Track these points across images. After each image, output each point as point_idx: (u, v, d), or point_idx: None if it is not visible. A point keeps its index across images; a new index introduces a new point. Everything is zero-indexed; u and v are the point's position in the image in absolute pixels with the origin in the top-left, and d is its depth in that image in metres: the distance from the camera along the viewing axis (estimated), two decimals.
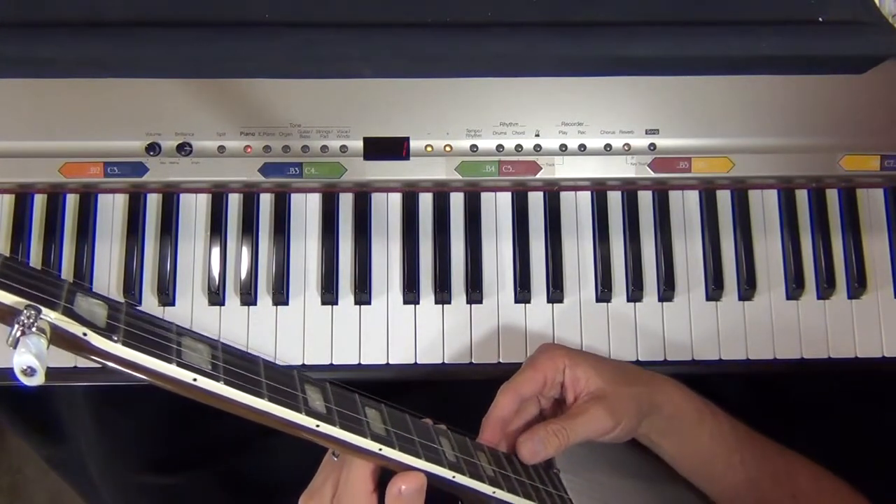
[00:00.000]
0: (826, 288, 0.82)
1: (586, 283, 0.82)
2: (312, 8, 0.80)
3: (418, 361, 0.81)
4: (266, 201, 0.83)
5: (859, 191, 0.84)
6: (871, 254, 0.83)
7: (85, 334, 0.45)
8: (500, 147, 0.81)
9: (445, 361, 0.80)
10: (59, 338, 0.45)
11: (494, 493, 0.60)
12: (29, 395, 0.92)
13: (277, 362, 0.56)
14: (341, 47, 0.79)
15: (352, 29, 0.79)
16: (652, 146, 0.81)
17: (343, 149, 0.80)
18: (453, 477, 0.58)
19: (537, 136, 0.81)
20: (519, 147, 0.81)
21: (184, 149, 0.80)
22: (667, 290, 0.81)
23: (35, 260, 0.81)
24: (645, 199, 0.83)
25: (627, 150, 0.81)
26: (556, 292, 0.81)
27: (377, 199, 0.83)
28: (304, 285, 0.81)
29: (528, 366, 0.69)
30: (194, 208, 0.82)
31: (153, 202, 0.82)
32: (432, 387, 0.82)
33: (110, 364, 0.47)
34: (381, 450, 0.55)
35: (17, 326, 0.43)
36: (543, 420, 0.69)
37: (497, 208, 0.83)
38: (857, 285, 0.82)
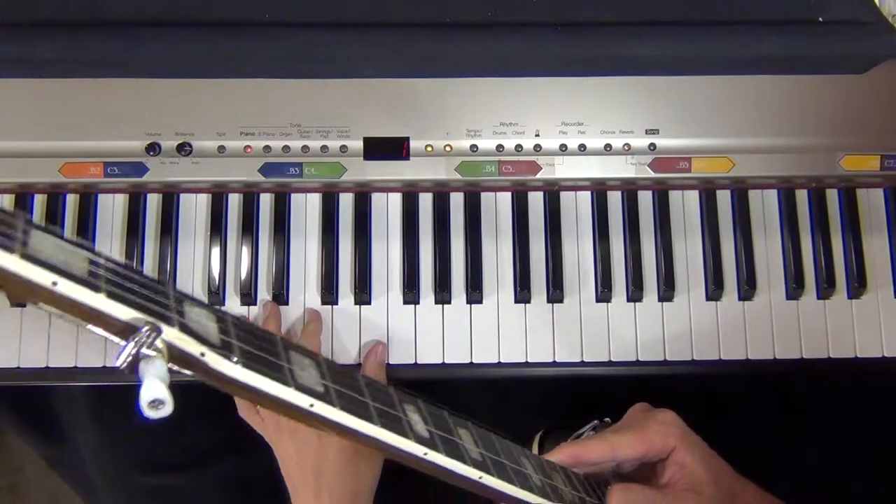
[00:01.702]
0: (826, 288, 0.82)
1: (586, 283, 0.82)
2: (313, 8, 0.80)
3: (418, 361, 0.81)
4: (266, 201, 0.83)
5: (859, 191, 0.84)
6: (871, 254, 0.83)
7: (203, 354, 0.39)
8: (500, 147, 0.81)
9: (446, 361, 0.80)
10: (173, 357, 0.39)
11: None
12: (29, 395, 0.92)
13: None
14: (341, 47, 0.79)
15: (352, 29, 0.79)
16: (652, 146, 0.81)
17: (343, 149, 0.80)
18: None
19: (537, 136, 0.81)
20: (519, 147, 0.81)
21: (184, 149, 0.80)
22: (667, 290, 0.81)
23: None
24: (645, 199, 0.83)
25: (627, 150, 0.81)
26: (556, 292, 0.81)
27: (377, 199, 0.83)
28: (304, 285, 0.81)
29: (637, 429, 0.64)
30: (194, 208, 0.82)
31: (153, 202, 0.82)
32: (431, 387, 0.82)
33: (221, 384, 0.41)
34: (480, 478, 0.51)
35: (132, 346, 0.37)
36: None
37: (497, 208, 0.83)
38: (857, 285, 0.82)
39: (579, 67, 0.81)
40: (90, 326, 0.37)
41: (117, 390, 0.86)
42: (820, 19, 0.80)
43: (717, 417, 0.91)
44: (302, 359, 0.45)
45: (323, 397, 0.44)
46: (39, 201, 0.82)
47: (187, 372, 0.39)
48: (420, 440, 0.48)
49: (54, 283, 0.35)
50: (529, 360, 0.81)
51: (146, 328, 0.37)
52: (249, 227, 0.82)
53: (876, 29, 0.80)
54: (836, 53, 0.80)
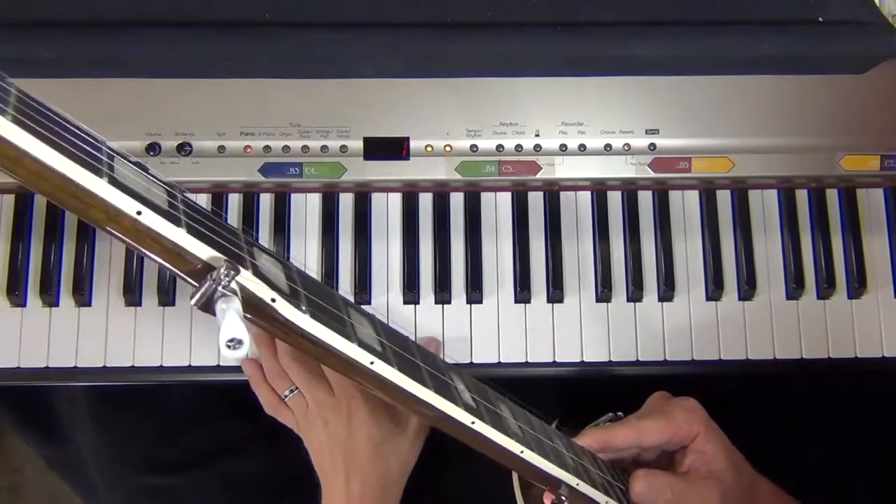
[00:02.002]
0: (826, 288, 0.82)
1: (586, 283, 0.82)
2: (313, 8, 0.80)
3: None
4: (266, 201, 0.83)
5: (859, 191, 0.84)
6: (871, 254, 0.83)
7: (273, 300, 0.39)
8: (500, 147, 0.81)
9: (446, 361, 0.80)
10: (249, 302, 0.38)
11: (608, 502, 0.59)
12: (29, 395, 0.92)
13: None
14: (341, 47, 0.79)
15: (352, 29, 0.79)
16: (652, 146, 0.81)
17: (343, 149, 0.80)
18: (577, 485, 0.56)
19: (537, 136, 0.81)
20: (519, 147, 0.81)
21: (184, 149, 0.80)
22: (667, 290, 0.81)
23: (35, 260, 0.81)
24: (645, 199, 0.83)
25: (627, 150, 0.81)
26: (556, 292, 0.81)
27: (377, 199, 0.83)
28: None
29: (662, 415, 0.65)
30: None
31: None
32: None
33: (283, 332, 0.40)
34: (522, 452, 0.52)
35: (209, 285, 0.36)
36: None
37: (497, 208, 0.83)
38: (857, 285, 0.82)
39: (579, 67, 0.81)
40: (160, 260, 0.36)
41: (117, 390, 0.86)
42: (820, 19, 0.80)
43: (717, 417, 0.91)
44: (360, 316, 0.45)
45: (382, 356, 0.43)
46: (40, 201, 0.82)
47: (254, 319, 0.38)
48: (468, 408, 0.47)
49: (139, 213, 0.35)
50: (529, 360, 0.81)
51: (224, 267, 0.36)
52: (249, 227, 0.82)
53: (876, 29, 0.80)
54: (836, 53, 0.80)
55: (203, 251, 0.36)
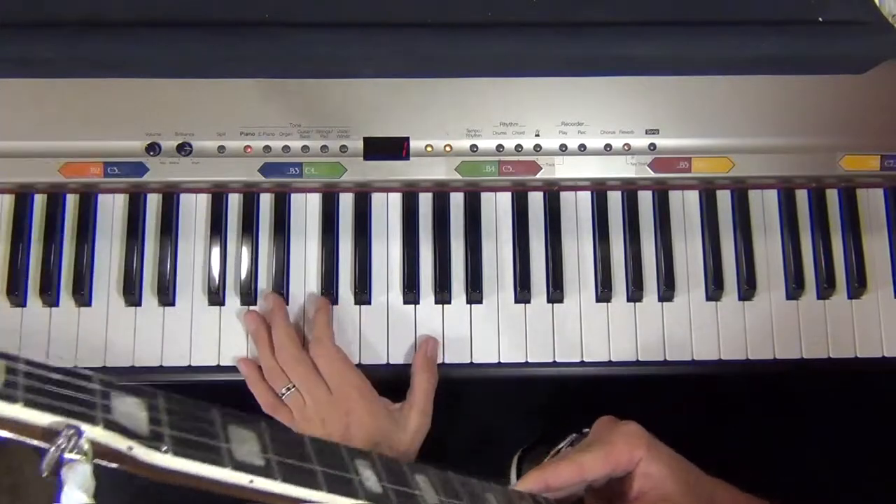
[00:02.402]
0: (826, 288, 0.82)
1: (586, 283, 0.82)
2: (312, 8, 0.80)
3: None
4: (266, 201, 0.83)
5: (859, 191, 0.84)
6: (871, 254, 0.83)
7: (130, 448, 0.39)
8: (500, 147, 0.81)
9: (446, 361, 0.80)
10: (101, 454, 0.38)
11: None
12: None
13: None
14: (341, 47, 0.79)
15: (352, 29, 0.79)
16: (652, 146, 0.81)
17: (343, 149, 0.80)
18: None
19: (537, 136, 0.81)
20: (519, 147, 0.81)
21: (184, 149, 0.80)
22: (667, 290, 0.81)
23: (35, 260, 0.81)
24: (645, 199, 0.83)
25: (627, 150, 0.81)
26: (556, 292, 0.81)
27: (377, 199, 0.83)
28: (304, 285, 0.81)
29: (602, 446, 0.63)
30: (194, 208, 0.82)
31: (153, 202, 0.82)
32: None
33: (152, 475, 0.41)
34: None
35: (53, 452, 0.36)
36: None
37: (497, 208, 0.83)
38: (857, 285, 0.82)
39: (579, 67, 0.81)
40: (10, 435, 0.36)
41: None
42: (820, 19, 0.80)
43: (717, 417, 0.91)
44: (242, 432, 0.45)
45: (264, 471, 0.43)
46: (39, 201, 0.82)
47: (114, 465, 0.39)
48: (371, 497, 0.48)
49: None
50: (529, 360, 0.81)
51: (66, 432, 0.36)
52: (249, 227, 0.82)
53: (876, 29, 0.80)
54: (836, 53, 0.80)
55: (42, 419, 0.36)
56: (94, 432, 0.37)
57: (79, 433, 0.37)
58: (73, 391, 0.38)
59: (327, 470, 0.47)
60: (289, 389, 0.77)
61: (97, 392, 0.39)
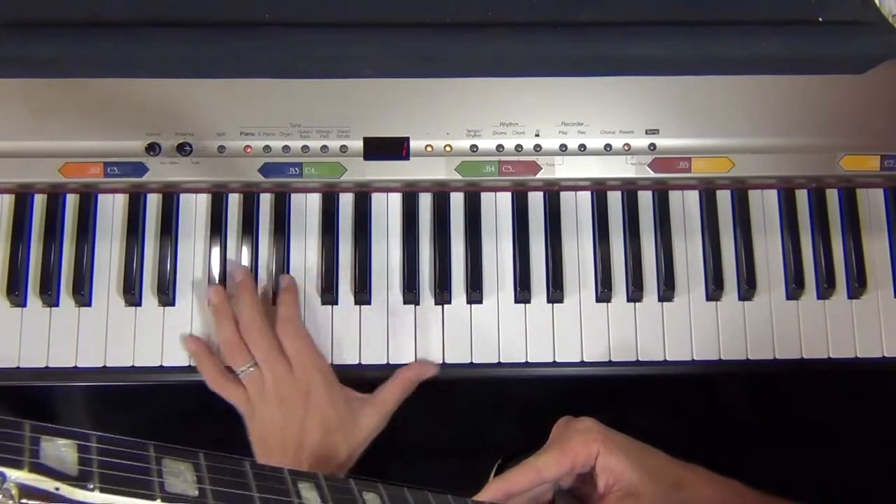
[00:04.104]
0: (826, 288, 0.82)
1: (586, 283, 0.82)
2: (312, 8, 0.80)
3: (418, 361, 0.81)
4: (266, 201, 0.83)
5: (859, 191, 0.84)
6: (871, 254, 0.83)
7: (57, 489, 0.42)
8: (500, 147, 0.81)
9: (446, 361, 0.80)
10: (29, 496, 0.41)
11: None
12: (29, 395, 0.92)
13: None
14: (341, 47, 0.79)
15: (352, 29, 0.79)
16: (652, 146, 0.81)
17: (343, 149, 0.80)
18: None
19: (537, 136, 0.81)
20: (519, 147, 0.81)
21: (184, 149, 0.80)
22: (667, 290, 0.81)
23: (35, 260, 0.81)
24: (645, 199, 0.83)
25: (627, 150, 0.81)
26: (556, 292, 0.81)
27: (377, 199, 0.83)
28: (304, 285, 0.81)
29: (557, 445, 0.63)
30: (194, 208, 0.82)
31: (153, 202, 0.82)
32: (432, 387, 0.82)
33: None
34: None
35: None
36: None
37: (497, 208, 0.83)
38: (857, 285, 0.82)
39: (579, 67, 0.81)
40: None
41: (117, 390, 0.86)
42: (820, 19, 0.80)
43: (717, 417, 0.91)
44: (177, 465, 0.47)
45: (196, 501, 0.45)
46: (39, 201, 0.82)
47: None
48: None
49: None
50: (529, 360, 0.81)
51: None
52: (249, 227, 0.82)
53: (876, 29, 0.79)
54: (836, 53, 0.80)
55: None
56: (19, 475, 0.40)
57: (3, 477, 0.39)
58: (1, 440, 0.41)
59: (266, 496, 0.48)
60: (249, 367, 0.76)
61: (27, 437, 0.42)
